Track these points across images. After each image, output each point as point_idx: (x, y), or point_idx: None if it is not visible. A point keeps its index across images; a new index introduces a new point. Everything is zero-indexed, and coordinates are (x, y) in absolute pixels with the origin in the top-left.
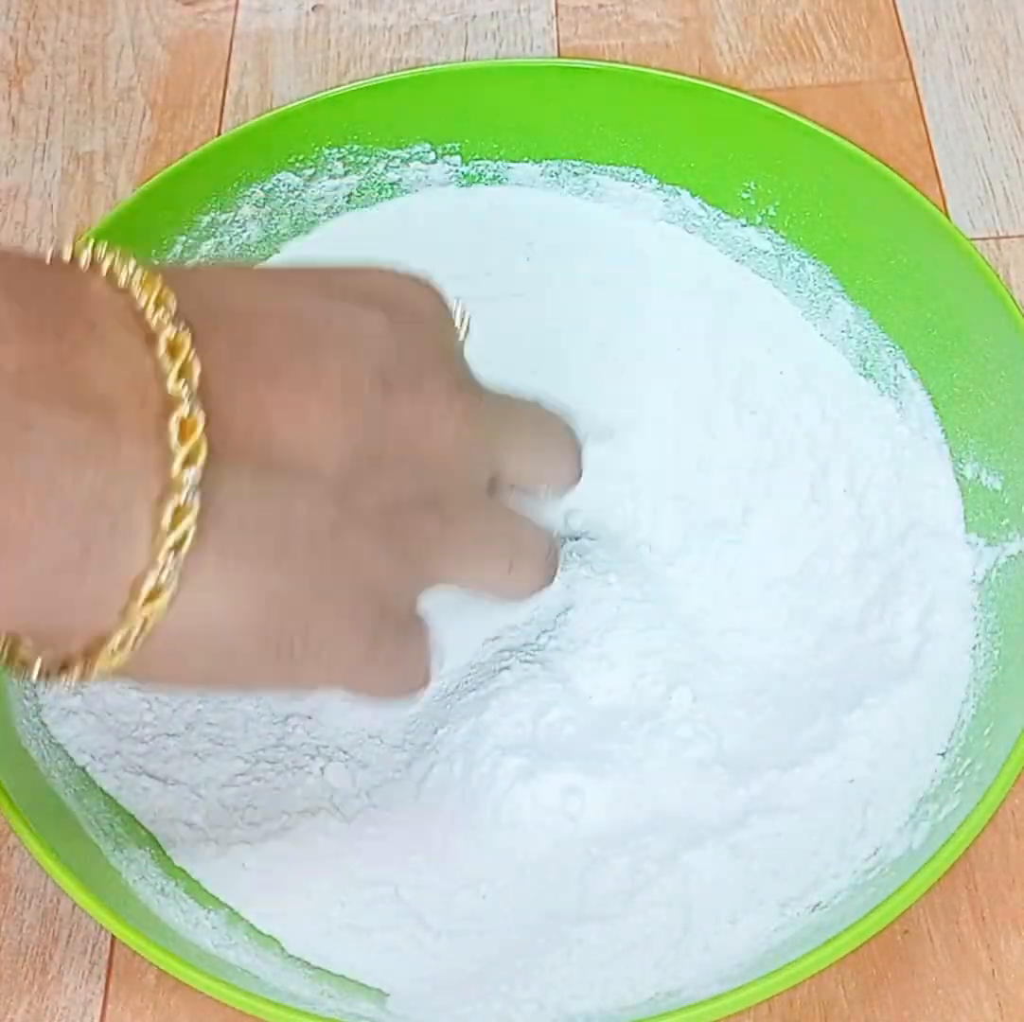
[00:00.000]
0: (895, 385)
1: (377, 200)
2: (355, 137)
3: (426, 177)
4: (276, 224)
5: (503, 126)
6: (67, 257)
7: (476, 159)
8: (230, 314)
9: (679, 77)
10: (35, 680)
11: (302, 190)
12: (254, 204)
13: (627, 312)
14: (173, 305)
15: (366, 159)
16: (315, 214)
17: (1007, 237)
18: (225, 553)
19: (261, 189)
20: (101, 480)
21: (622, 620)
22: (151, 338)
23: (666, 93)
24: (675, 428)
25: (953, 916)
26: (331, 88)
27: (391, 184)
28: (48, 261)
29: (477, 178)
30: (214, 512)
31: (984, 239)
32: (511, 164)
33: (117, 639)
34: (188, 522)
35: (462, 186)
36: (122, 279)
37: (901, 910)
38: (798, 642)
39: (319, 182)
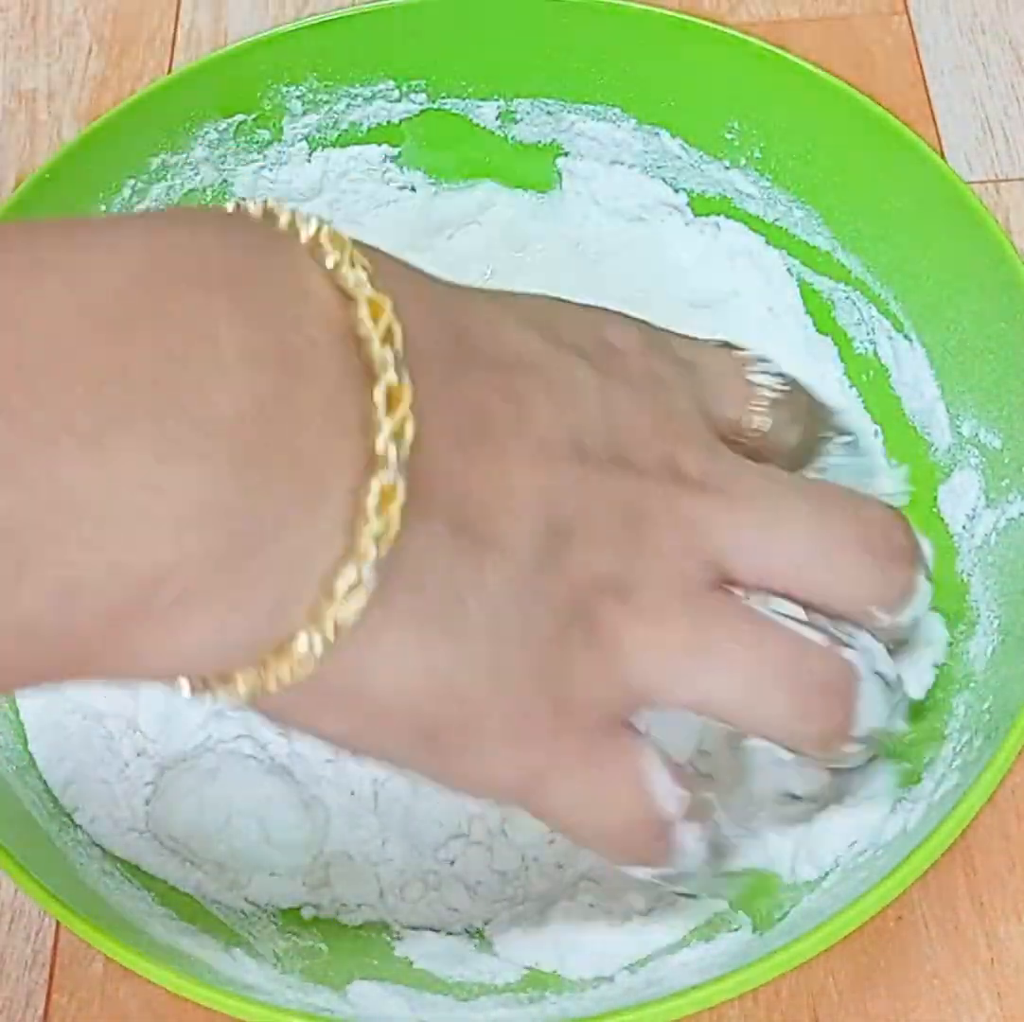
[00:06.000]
0: (888, 337)
1: (338, 141)
2: (315, 74)
3: (390, 116)
4: (231, 166)
5: (472, 62)
6: (283, 222)
7: (443, 97)
8: (443, 344)
9: (657, 10)
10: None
11: (258, 130)
12: (207, 145)
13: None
14: (400, 343)
15: (326, 98)
16: (272, 156)
17: (1007, 180)
18: (401, 620)
19: (215, 129)
20: (299, 542)
21: None
22: (370, 376)
23: (644, 27)
24: None
25: (950, 901)
26: (289, 22)
27: (353, 124)
28: (259, 215)
29: None
30: (395, 577)
31: (983, 182)
32: (480, 103)
33: (242, 685)
34: (359, 598)
35: None
36: (348, 283)
37: (894, 895)
38: None
39: (277, 121)
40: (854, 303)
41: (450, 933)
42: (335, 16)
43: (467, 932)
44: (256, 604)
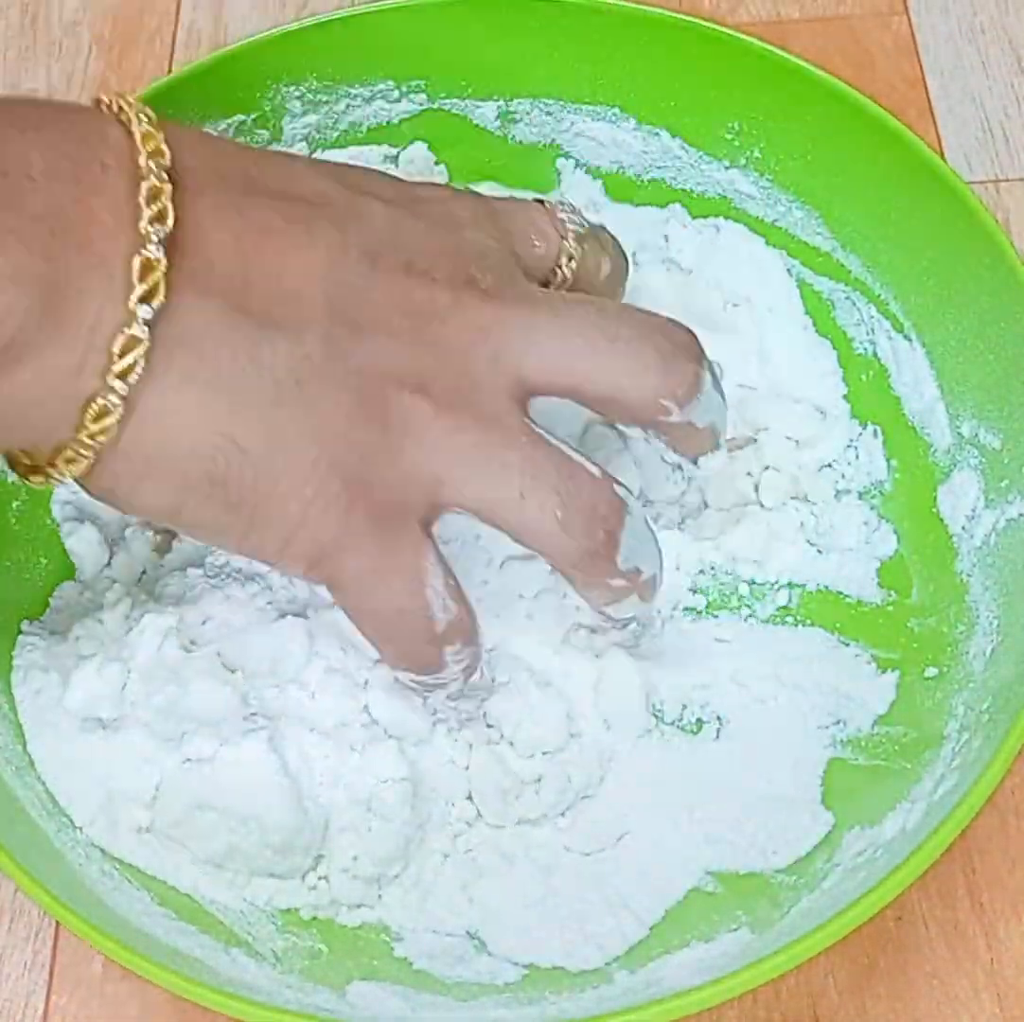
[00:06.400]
0: (888, 337)
1: (338, 142)
2: (314, 75)
3: (389, 116)
4: None
5: (471, 62)
6: (105, 104)
7: (443, 98)
8: (229, 178)
9: (658, 10)
10: (12, 478)
11: (258, 131)
12: None
13: None
14: (166, 159)
15: (326, 98)
16: None
17: (1007, 181)
18: (183, 382)
19: (215, 129)
20: (93, 307)
21: None
22: (138, 183)
23: (644, 27)
24: None
25: (950, 901)
26: (289, 22)
27: (352, 124)
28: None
29: None
30: (174, 344)
31: (982, 183)
32: (480, 103)
33: (69, 452)
34: (137, 353)
35: None
36: (133, 127)
37: (894, 895)
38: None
39: (276, 122)
40: (854, 303)
41: (449, 934)
42: (335, 16)
43: (467, 934)
44: (64, 359)
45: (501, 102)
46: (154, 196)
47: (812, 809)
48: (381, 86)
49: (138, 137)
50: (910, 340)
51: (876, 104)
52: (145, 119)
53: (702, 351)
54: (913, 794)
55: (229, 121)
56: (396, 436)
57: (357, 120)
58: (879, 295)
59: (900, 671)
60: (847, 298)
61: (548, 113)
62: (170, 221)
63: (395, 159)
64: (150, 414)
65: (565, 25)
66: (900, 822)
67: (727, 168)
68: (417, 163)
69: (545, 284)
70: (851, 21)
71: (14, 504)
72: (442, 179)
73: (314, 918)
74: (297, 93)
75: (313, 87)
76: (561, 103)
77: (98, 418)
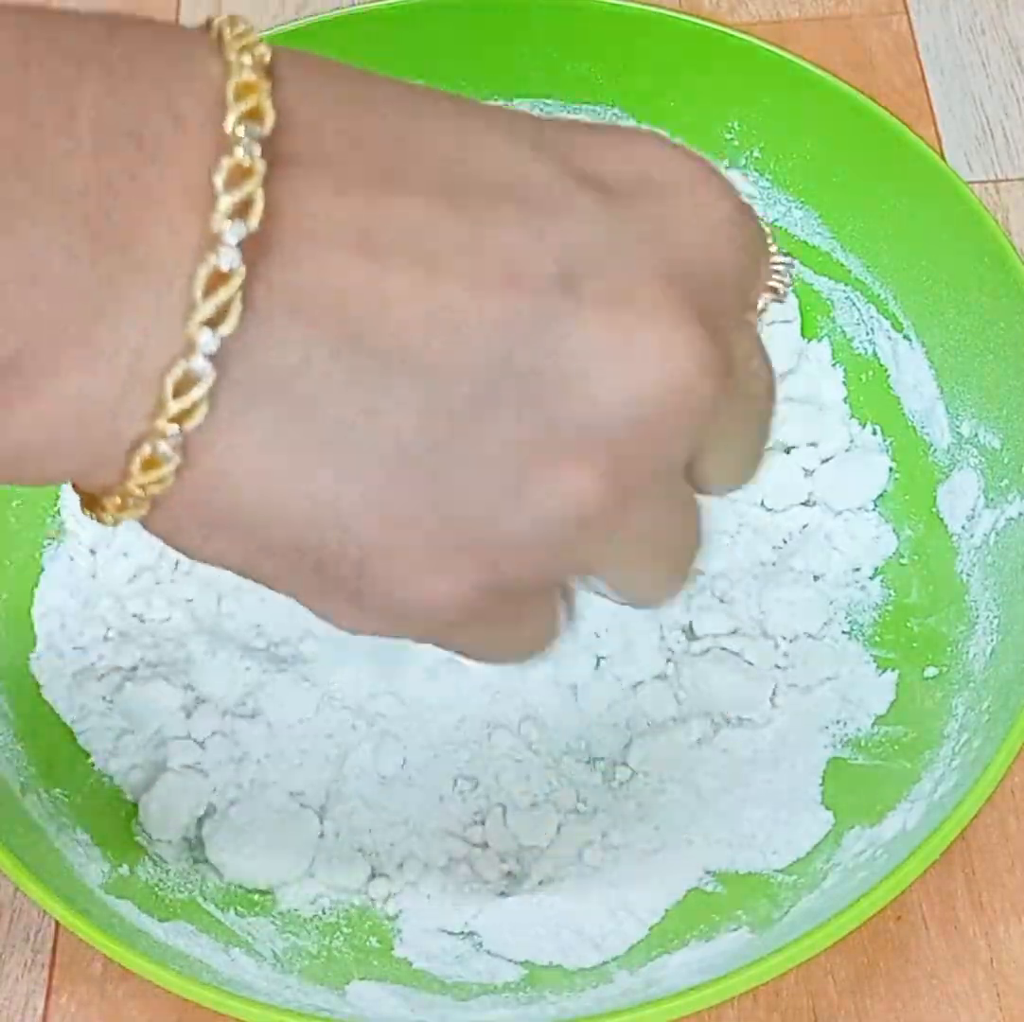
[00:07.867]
0: (888, 337)
1: None
2: None
3: None
4: None
5: (472, 62)
6: (213, 30)
7: None
8: (366, 149)
9: (657, 10)
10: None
11: None
12: None
13: None
14: (266, 124)
15: None
16: None
17: (1007, 180)
18: (270, 439)
19: None
20: (138, 326)
21: None
22: (219, 157)
23: (644, 27)
24: None
25: (949, 901)
26: (288, 22)
27: None
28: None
29: None
30: (254, 385)
31: (982, 182)
32: None
33: (117, 499)
34: (197, 394)
35: None
36: (232, 68)
37: (894, 895)
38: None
39: None
40: (854, 303)
41: (448, 934)
42: (335, 16)
43: (467, 933)
44: (97, 391)
45: (501, 102)
46: (237, 179)
47: (812, 809)
48: None
49: (232, 89)
50: (910, 340)
51: (876, 104)
52: (249, 61)
53: None
54: (913, 794)
55: None
56: (558, 525)
57: None
58: (879, 295)
59: (900, 671)
60: (847, 298)
61: (548, 113)
62: (256, 217)
63: None
64: (220, 472)
65: (565, 24)
66: (900, 822)
67: (726, 168)
68: None
69: None
70: (851, 21)
71: (14, 503)
72: None
73: (315, 917)
74: None
75: None
76: (561, 103)
77: (148, 468)
